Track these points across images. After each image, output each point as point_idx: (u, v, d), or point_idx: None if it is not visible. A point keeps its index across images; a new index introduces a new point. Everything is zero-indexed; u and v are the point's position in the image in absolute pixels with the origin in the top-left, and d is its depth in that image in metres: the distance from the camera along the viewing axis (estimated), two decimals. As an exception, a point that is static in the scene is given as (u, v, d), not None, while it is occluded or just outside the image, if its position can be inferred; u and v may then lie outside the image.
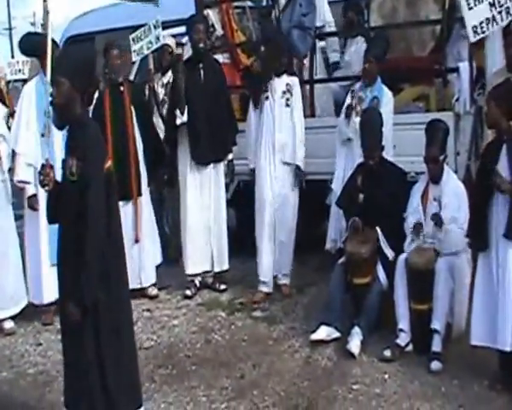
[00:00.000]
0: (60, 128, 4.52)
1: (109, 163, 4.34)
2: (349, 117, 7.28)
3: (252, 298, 7.57)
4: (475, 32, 6.34)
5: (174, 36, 9.23)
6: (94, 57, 4.66)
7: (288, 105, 7.54)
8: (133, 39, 8.52)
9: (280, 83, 7.54)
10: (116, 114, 7.52)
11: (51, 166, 4.54)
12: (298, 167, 7.56)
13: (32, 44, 7.21)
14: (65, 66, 4.45)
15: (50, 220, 4.62)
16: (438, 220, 5.95)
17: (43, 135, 6.83)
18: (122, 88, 7.59)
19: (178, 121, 7.62)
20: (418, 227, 6.11)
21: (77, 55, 4.47)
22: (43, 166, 4.53)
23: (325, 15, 9.40)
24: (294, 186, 7.61)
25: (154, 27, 8.40)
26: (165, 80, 8.90)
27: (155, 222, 8.18)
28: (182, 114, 7.57)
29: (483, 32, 6.33)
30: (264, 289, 7.63)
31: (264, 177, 7.57)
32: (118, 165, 7.40)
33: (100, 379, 4.33)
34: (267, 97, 7.53)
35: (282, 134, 7.50)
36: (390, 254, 6.39)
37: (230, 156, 7.95)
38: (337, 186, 7.41)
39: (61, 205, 4.40)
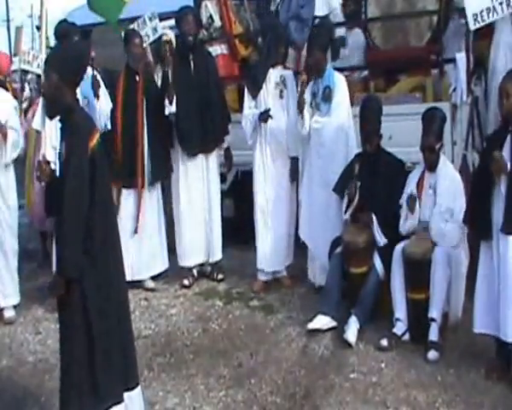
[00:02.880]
0: (50, 117, 4.59)
1: (94, 142, 4.31)
2: (300, 114, 7.16)
3: (251, 287, 7.61)
4: (475, 20, 6.41)
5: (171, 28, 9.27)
6: (85, 51, 4.69)
7: (281, 97, 7.50)
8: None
9: (274, 74, 7.50)
10: (128, 102, 7.55)
11: (47, 162, 4.64)
12: (294, 158, 7.55)
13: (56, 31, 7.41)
14: (54, 59, 4.50)
15: (48, 212, 4.69)
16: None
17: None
18: (138, 77, 7.62)
19: (167, 111, 7.60)
20: (412, 201, 6.11)
21: (67, 50, 4.53)
22: (39, 162, 4.63)
23: (331, 2, 9.40)
24: (290, 178, 7.60)
25: (150, 19, 8.38)
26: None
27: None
28: (170, 103, 7.56)
29: (483, 21, 6.40)
30: (263, 277, 7.65)
31: (259, 168, 7.58)
32: (125, 153, 7.46)
33: (88, 363, 4.35)
34: (261, 87, 7.50)
35: (274, 125, 7.45)
36: (381, 239, 6.40)
37: (226, 145, 7.96)
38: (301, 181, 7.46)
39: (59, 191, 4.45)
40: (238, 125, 7.75)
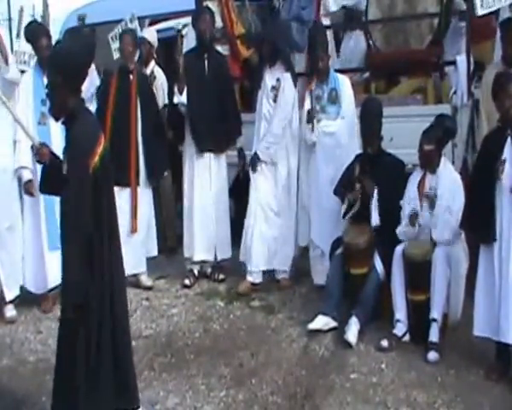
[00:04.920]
0: (55, 119, 4.56)
1: (96, 160, 4.25)
2: (311, 121, 7.13)
3: (236, 289, 7.53)
4: (482, 6, 6.48)
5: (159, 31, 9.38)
6: (84, 50, 4.62)
7: (275, 101, 7.46)
8: (112, 38, 8.53)
9: (271, 77, 7.48)
10: (121, 101, 7.54)
11: (43, 143, 4.64)
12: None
13: (29, 32, 7.35)
14: (56, 59, 4.46)
15: (42, 190, 4.75)
16: (431, 199, 6.01)
17: (39, 123, 6.92)
18: (131, 76, 7.63)
19: (176, 100, 7.63)
20: (413, 217, 6.13)
21: (69, 50, 4.48)
22: (32, 147, 4.64)
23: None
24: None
25: (131, 21, 8.45)
26: (148, 71, 8.98)
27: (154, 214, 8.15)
28: (180, 93, 7.58)
29: (488, 7, 6.48)
30: (251, 278, 7.58)
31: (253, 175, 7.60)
32: (117, 151, 7.49)
33: (85, 377, 4.33)
34: (260, 87, 7.53)
35: (265, 128, 7.48)
36: (376, 219, 6.43)
37: (239, 145, 7.98)
38: (303, 186, 7.48)
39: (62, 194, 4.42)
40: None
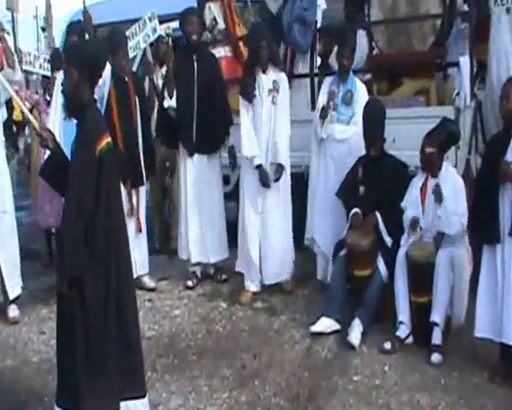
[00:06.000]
0: (69, 116, 4.58)
1: (103, 145, 4.29)
2: (324, 118, 7.15)
3: (238, 299, 7.43)
4: (496, 3, 6.82)
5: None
6: (104, 49, 4.73)
7: (274, 103, 7.34)
8: (128, 36, 8.55)
9: (266, 80, 7.34)
10: (123, 105, 7.53)
11: (46, 128, 4.70)
12: (280, 165, 7.28)
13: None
14: (75, 56, 4.52)
15: (41, 174, 4.76)
16: (438, 194, 5.97)
17: (65, 119, 6.96)
18: (126, 78, 7.61)
19: (166, 104, 7.66)
20: (415, 223, 6.13)
21: (87, 47, 4.56)
22: (35, 130, 4.68)
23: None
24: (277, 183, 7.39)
25: (150, 20, 8.47)
26: (163, 71, 8.98)
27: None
28: (170, 97, 7.60)
29: (502, 4, 6.77)
30: (253, 288, 7.52)
31: (251, 185, 7.44)
32: (128, 154, 7.45)
33: (85, 361, 4.31)
34: (255, 95, 7.35)
35: (268, 133, 7.35)
36: (388, 240, 6.44)
37: (230, 143, 7.94)
38: (312, 184, 7.50)
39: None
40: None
